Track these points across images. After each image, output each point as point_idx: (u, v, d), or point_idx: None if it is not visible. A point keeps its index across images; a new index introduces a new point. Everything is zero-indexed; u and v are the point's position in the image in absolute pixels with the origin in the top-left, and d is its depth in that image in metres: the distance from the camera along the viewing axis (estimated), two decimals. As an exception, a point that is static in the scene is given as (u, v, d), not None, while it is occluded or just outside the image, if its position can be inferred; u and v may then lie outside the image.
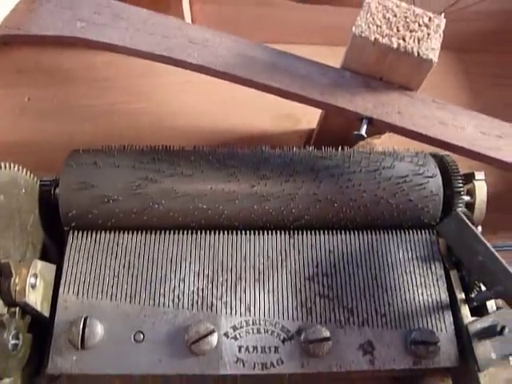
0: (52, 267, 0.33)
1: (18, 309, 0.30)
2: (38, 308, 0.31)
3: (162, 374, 0.31)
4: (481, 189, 0.37)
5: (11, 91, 0.51)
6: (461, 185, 0.37)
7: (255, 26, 0.54)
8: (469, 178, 0.38)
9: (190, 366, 0.31)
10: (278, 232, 0.36)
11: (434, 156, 0.38)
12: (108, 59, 0.54)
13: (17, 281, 0.29)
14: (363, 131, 0.32)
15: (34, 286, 0.30)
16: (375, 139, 0.43)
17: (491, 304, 0.35)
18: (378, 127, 0.32)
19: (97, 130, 0.49)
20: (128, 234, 0.35)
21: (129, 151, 0.37)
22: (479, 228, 0.39)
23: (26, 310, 0.31)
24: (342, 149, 0.38)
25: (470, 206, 0.38)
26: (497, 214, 0.47)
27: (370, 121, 0.32)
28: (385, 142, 0.43)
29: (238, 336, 0.32)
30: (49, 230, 0.36)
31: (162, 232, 0.35)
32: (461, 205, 0.37)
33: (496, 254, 0.30)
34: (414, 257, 0.36)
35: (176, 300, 0.33)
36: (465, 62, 0.59)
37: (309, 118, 0.51)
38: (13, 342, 0.29)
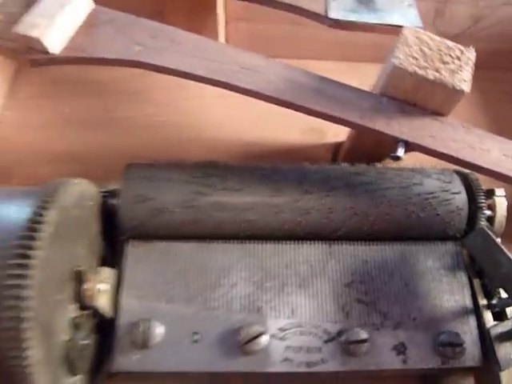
0: (114, 273, 0.36)
1: (88, 312, 0.33)
2: (105, 311, 0.34)
3: (217, 371, 0.34)
4: (501, 204, 0.41)
5: (52, 102, 0.54)
6: (483, 200, 0.40)
7: (286, 44, 0.58)
8: (489, 194, 0.42)
9: (241, 364, 0.34)
10: (319, 243, 0.39)
11: (459, 173, 0.42)
12: (138, 72, 0.56)
13: (88, 286, 0.32)
14: (400, 153, 0.35)
15: (102, 291, 0.33)
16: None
17: (510, 310, 0.39)
18: (412, 149, 0.36)
19: (137, 141, 0.52)
20: (182, 242, 0.38)
21: (180, 166, 0.39)
22: (498, 240, 0.43)
23: (95, 312, 0.34)
24: (373, 165, 0.42)
25: (490, 220, 0.42)
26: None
27: (406, 143, 0.35)
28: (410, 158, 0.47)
29: (284, 337, 0.35)
30: (104, 237, 0.39)
31: (214, 241, 0.38)
32: (483, 219, 0.40)
33: (520, 265, 0.34)
34: (441, 266, 0.39)
35: (227, 304, 0.36)
36: (482, 80, 0.62)
37: (334, 131, 0.54)
38: (85, 341, 0.32)
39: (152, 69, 0.38)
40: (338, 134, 0.54)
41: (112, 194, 0.39)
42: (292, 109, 0.37)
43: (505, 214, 0.41)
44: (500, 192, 0.41)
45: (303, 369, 0.35)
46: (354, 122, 0.36)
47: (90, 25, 0.40)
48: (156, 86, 0.57)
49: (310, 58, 0.60)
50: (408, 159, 0.42)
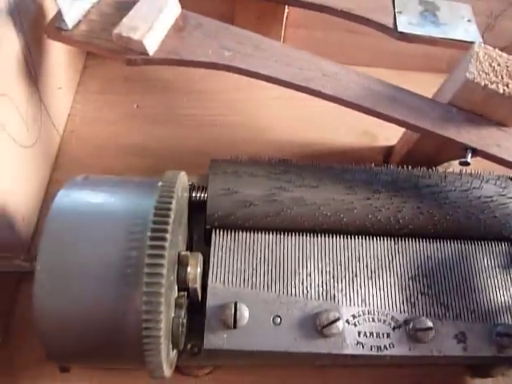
0: (202, 259, 0.39)
1: (185, 293, 0.36)
2: (199, 293, 0.37)
3: (298, 351, 0.38)
4: (551, 209, 0.44)
5: (120, 97, 0.57)
6: (535, 205, 0.44)
7: (339, 50, 0.61)
8: (539, 199, 0.45)
9: (320, 346, 0.38)
10: (386, 238, 0.42)
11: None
12: (205, 73, 0.60)
13: (190, 270, 0.35)
14: (469, 159, 0.39)
15: (200, 275, 0.37)
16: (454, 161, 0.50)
17: (559, 305, 0.42)
18: (479, 156, 0.39)
19: (202, 138, 0.55)
20: (263, 233, 0.41)
21: (260, 163, 0.43)
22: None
23: (190, 294, 0.37)
24: (432, 169, 0.45)
25: (539, 223, 0.45)
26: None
27: (474, 151, 0.39)
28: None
29: (357, 323, 0.39)
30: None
31: (292, 233, 0.41)
32: (534, 222, 0.44)
33: None
34: (496, 264, 0.43)
35: (305, 291, 0.39)
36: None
37: (385, 135, 0.58)
38: (183, 320, 0.35)
39: (239, 72, 0.41)
40: (389, 138, 0.57)
41: (193, 187, 0.42)
42: (370, 115, 0.40)
43: (554, 218, 0.44)
44: (550, 198, 0.44)
45: (374, 352, 0.38)
46: (427, 129, 0.39)
47: (179, 29, 0.43)
48: (219, 88, 0.60)
49: (363, 65, 0.63)
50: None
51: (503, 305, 0.41)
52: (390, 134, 0.57)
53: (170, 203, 0.30)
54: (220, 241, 0.40)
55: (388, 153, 0.56)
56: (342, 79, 0.40)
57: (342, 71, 0.41)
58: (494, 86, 0.38)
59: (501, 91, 0.38)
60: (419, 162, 0.46)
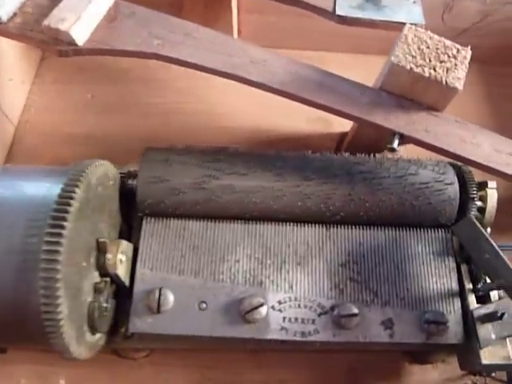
0: (130, 246, 0.40)
1: (108, 279, 0.37)
2: (123, 279, 0.38)
3: (221, 336, 0.38)
4: (492, 196, 0.43)
5: (75, 87, 0.58)
6: (475, 192, 0.43)
7: (294, 34, 0.60)
8: (482, 186, 0.44)
9: (243, 330, 0.38)
10: (317, 225, 0.42)
11: (453, 165, 0.44)
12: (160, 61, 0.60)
13: (110, 256, 0.36)
14: (395, 145, 0.38)
15: (121, 261, 0.38)
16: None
17: (494, 294, 0.42)
18: (407, 142, 0.39)
19: (153, 126, 0.55)
20: (193, 221, 0.42)
21: (193, 151, 0.43)
22: (488, 229, 0.45)
23: (114, 280, 0.38)
24: (374, 155, 0.44)
25: (481, 211, 0.44)
26: (507, 216, 0.53)
27: (402, 136, 0.38)
28: (410, 149, 0.49)
29: (282, 309, 0.39)
30: (123, 215, 0.43)
31: (221, 221, 0.42)
32: (474, 209, 0.43)
33: (500, 252, 0.37)
34: (431, 251, 0.42)
35: (232, 277, 0.40)
36: (486, 74, 0.64)
37: (340, 121, 0.56)
38: (105, 304, 0.37)
39: (168, 61, 0.41)
40: (344, 124, 0.56)
41: (130, 175, 0.43)
42: (295, 101, 0.40)
43: (495, 205, 0.44)
44: (492, 184, 0.43)
45: (298, 337, 0.39)
46: (354, 116, 0.39)
47: (111, 18, 0.43)
48: (177, 75, 0.59)
49: (319, 50, 0.62)
50: (411, 151, 0.45)
51: (435, 292, 0.41)
52: (345, 121, 0.56)
53: (74, 192, 0.31)
54: (150, 228, 0.41)
55: (341, 140, 0.55)
56: (270, 65, 0.40)
57: (271, 58, 0.41)
58: (419, 70, 0.37)
59: (426, 75, 0.37)
60: (364, 149, 0.45)
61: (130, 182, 0.42)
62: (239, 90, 0.59)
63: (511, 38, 0.60)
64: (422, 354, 0.45)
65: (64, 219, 0.30)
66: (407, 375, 0.45)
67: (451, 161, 0.44)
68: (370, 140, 0.45)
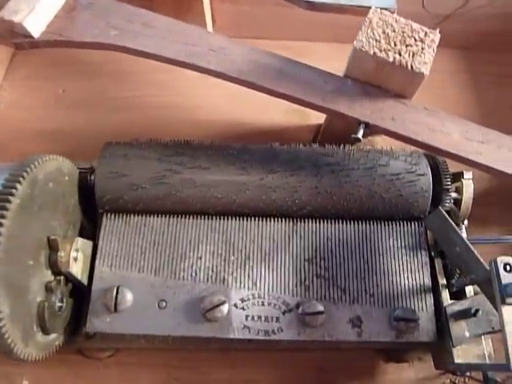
0: (89, 243, 0.39)
1: (62, 277, 0.36)
2: (79, 277, 0.37)
3: (181, 335, 0.37)
4: (468, 187, 0.41)
5: (47, 83, 0.57)
6: (449, 183, 0.41)
7: (271, 24, 0.58)
8: (458, 176, 0.42)
9: (204, 330, 0.37)
10: (283, 219, 0.41)
11: (428, 156, 0.42)
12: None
13: (62, 254, 0.35)
14: (360, 134, 0.36)
15: (76, 259, 0.36)
16: (376, 137, 0.48)
17: (469, 289, 0.40)
18: (373, 131, 0.37)
19: (124, 121, 0.54)
20: (153, 217, 0.40)
21: (154, 145, 0.42)
22: (465, 222, 0.43)
23: (69, 278, 0.37)
24: (344, 147, 0.43)
25: (457, 202, 0.42)
26: (487, 208, 0.51)
27: (367, 125, 0.36)
28: (389, 139, 0.47)
29: (245, 307, 0.38)
30: (85, 211, 0.42)
31: (183, 216, 0.40)
32: (448, 201, 0.41)
33: (470, 245, 0.35)
34: (403, 245, 0.40)
35: (194, 274, 0.39)
36: (471, 61, 0.61)
37: (317, 113, 0.55)
38: (59, 304, 0.35)
39: (126, 52, 0.40)
40: (321, 116, 0.54)
41: (92, 171, 0.42)
42: (256, 90, 0.38)
43: (471, 196, 0.42)
44: (468, 175, 0.41)
45: (261, 336, 0.37)
46: (317, 104, 0.37)
47: (69, 9, 0.42)
48: (151, 68, 0.57)
49: (298, 40, 0.60)
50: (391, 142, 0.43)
51: (406, 288, 0.39)
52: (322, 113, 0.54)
53: (14, 188, 0.30)
54: (110, 224, 0.40)
55: (318, 131, 0.54)
56: (229, 54, 0.39)
57: (231, 46, 0.39)
58: (383, 54, 0.35)
59: (391, 59, 0.35)
60: (337, 140, 0.44)
61: (92, 177, 0.41)
62: (215, 83, 0.57)
63: (496, 24, 0.57)
64: (396, 352, 0.43)
65: (2, 216, 0.29)
66: (381, 374, 0.43)
67: (427, 151, 0.42)
68: (341, 131, 0.43)
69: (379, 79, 0.37)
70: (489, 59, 0.60)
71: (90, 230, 0.42)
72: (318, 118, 0.55)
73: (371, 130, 0.37)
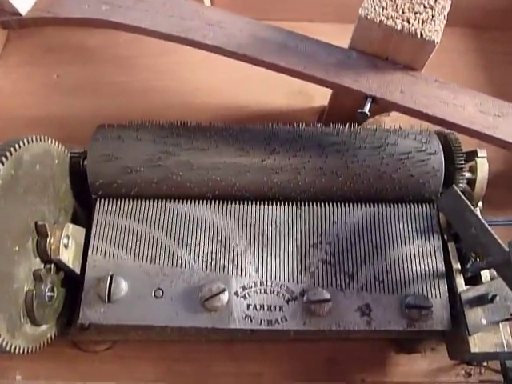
0: (82, 230, 0.37)
1: (53, 266, 0.34)
2: (70, 265, 0.35)
3: (178, 326, 0.35)
4: (482, 166, 0.39)
5: (41, 69, 0.55)
6: (462, 161, 0.38)
7: (274, 5, 0.56)
8: (472, 155, 0.40)
9: (203, 320, 0.35)
10: (286, 203, 0.38)
11: (439, 134, 0.40)
12: (131, 37, 0.55)
13: (52, 241, 0.33)
14: (367, 109, 0.34)
15: (67, 246, 0.34)
16: (384, 117, 0.45)
17: (485, 274, 0.37)
18: (381, 105, 0.34)
19: (121, 105, 0.52)
20: (149, 202, 0.38)
21: (149, 126, 0.40)
22: (480, 204, 0.41)
23: (60, 266, 0.35)
24: (350, 126, 0.40)
25: (471, 183, 0.40)
26: (501, 190, 0.49)
27: (374, 99, 0.34)
28: (397, 119, 0.45)
29: (246, 295, 0.36)
30: (79, 197, 0.40)
31: (180, 201, 0.38)
32: (462, 181, 0.38)
33: (487, 226, 0.32)
34: (414, 229, 0.38)
35: (192, 262, 0.36)
36: (482, 39, 0.59)
37: (322, 94, 0.52)
38: (49, 293, 0.34)
39: (117, 27, 0.38)
40: (326, 97, 0.52)
41: (85, 154, 0.39)
42: (255, 65, 0.36)
43: (486, 176, 0.39)
44: (482, 153, 0.39)
45: (264, 326, 0.35)
46: (320, 78, 0.35)
47: (59, -15, 0.40)
48: (146, 52, 0.56)
49: (302, 20, 0.58)
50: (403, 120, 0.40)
51: (418, 274, 0.37)
52: (327, 93, 0.52)
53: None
54: (104, 210, 0.38)
55: (322, 114, 0.51)
56: (227, 28, 0.36)
57: (229, 19, 0.37)
58: (390, 22, 0.33)
59: (399, 27, 0.33)
60: (343, 120, 0.41)
61: (84, 162, 0.39)
62: (216, 66, 0.56)
63: (503, 1, 0.54)
64: (408, 343, 0.41)
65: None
66: (393, 366, 0.41)
67: (439, 129, 0.40)
68: (347, 110, 0.41)
69: (387, 50, 0.35)
70: (500, 38, 0.57)
71: (84, 216, 0.40)
72: (322, 99, 0.53)
73: (379, 104, 0.35)
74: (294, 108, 0.53)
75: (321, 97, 0.53)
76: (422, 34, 0.32)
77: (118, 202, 0.38)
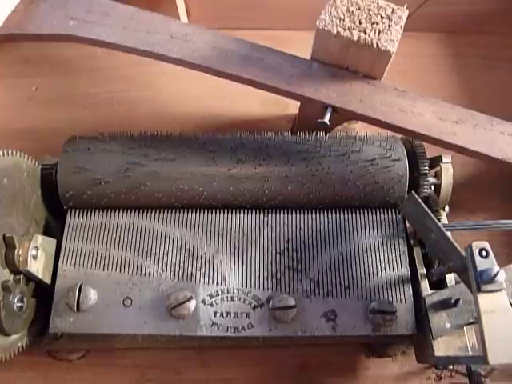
0: (52, 241, 0.38)
1: (22, 276, 0.35)
2: (40, 276, 0.36)
3: (147, 334, 0.36)
4: (447, 171, 0.39)
5: (20, 81, 0.56)
6: (426, 167, 0.39)
7: (251, 14, 0.57)
8: (436, 161, 0.40)
9: (170, 327, 0.35)
10: (253, 211, 0.39)
11: (405, 140, 0.40)
12: (108, 49, 0.58)
13: (20, 252, 0.34)
14: (327, 119, 0.35)
15: (36, 257, 0.35)
16: (353, 124, 0.46)
17: (450, 278, 0.38)
18: (341, 115, 0.35)
19: (98, 117, 0.53)
20: (119, 212, 0.39)
21: (119, 138, 0.40)
22: (446, 208, 0.41)
23: (30, 277, 0.35)
24: (317, 134, 0.41)
25: (437, 188, 0.40)
26: (476, 193, 0.49)
27: (334, 109, 0.35)
28: (368, 126, 0.45)
29: (213, 303, 0.36)
30: (54, 208, 0.40)
31: (149, 211, 0.39)
32: (427, 186, 0.39)
33: (445, 231, 0.33)
34: (379, 234, 0.39)
35: (160, 271, 0.37)
36: (458, 44, 0.59)
37: (296, 103, 0.53)
38: (18, 304, 0.34)
39: (85, 42, 0.39)
40: (300, 105, 0.53)
41: (57, 167, 0.40)
42: (219, 76, 0.37)
43: (451, 181, 0.40)
44: (446, 159, 0.39)
45: (231, 333, 0.36)
46: (282, 89, 0.36)
47: (29, 1, 0.40)
48: (125, 63, 0.57)
49: (281, 29, 0.59)
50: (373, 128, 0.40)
51: (383, 279, 0.37)
52: (300, 101, 0.53)
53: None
54: (74, 221, 0.39)
55: (295, 122, 0.52)
56: (192, 41, 0.37)
57: (194, 32, 0.38)
58: (347, 33, 0.34)
59: (355, 38, 0.34)
60: (312, 128, 0.42)
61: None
62: (191, 77, 0.56)
63: (482, 4, 0.55)
64: (378, 347, 0.42)
65: None
66: (364, 370, 0.41)
67: (405, 136, 0.40)
68: (314, 118, 0.42)
69: (346, 60, 0.35)
70: (473, 42, 0.58)
71: (57, 227, 0.41)
72: (296, 108, 0.53)
73: (339, 114, 0.35)
74: (268, 116, 0.54)
75: (295, 105, 0.53)
76: (377, 44, 0.33)
77: (89, 213, 0.39)
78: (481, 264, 0.30)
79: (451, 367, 0.38)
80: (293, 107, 0.54)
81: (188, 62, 0.36)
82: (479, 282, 0.29)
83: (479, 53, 0.57)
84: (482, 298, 0.29)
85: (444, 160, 0.40)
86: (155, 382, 0.41)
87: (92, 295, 0.36)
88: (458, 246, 0.32)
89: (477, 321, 0.35)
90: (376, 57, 0.34)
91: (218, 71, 0.36)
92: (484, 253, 0.30)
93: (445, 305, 0.36)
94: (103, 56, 0.58)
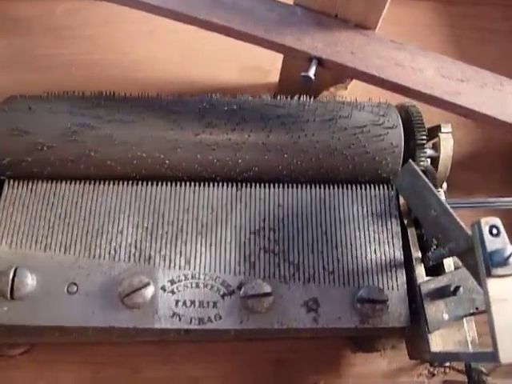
0: (-17, 217, 0.32)
1: None
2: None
3: (95, 326, 0.30)
4: (446, 142, 0.35)
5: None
6: (424, 137, 0.34)
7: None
8: (435, 131, 0.35)
9: (123, 319, 0.30)
10: (225, 184, 0.34)
11: (400, 107, 0.35)
12: (69, 7, 0.51)
13: None
14: (311, 73, 0.29)
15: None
16: (342, 90, 0.41)
17: (449, 263, 0.33)
18: (328, 68, 0.30)
19: (55, 80, 0.47)
20: (65, 183, 0.33)
21: (68, 97, 0.34)
22: (444, 185, 0.37)
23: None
24: (300, 97, 0.35)
25: (434, 161, 0.35)
26: (474, 173, 0.45)
27: (320, 61, 0.29)
28: (355, 92, 0.40)
29: (175, 290, 0.31)
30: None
31: (100, 182, 0.33)
32: (423, 158, 0.34)
33: (448, 207, 0.28)
34: (370, 212, 0.34)
35: (112, 252, 0.32)
36: (453, 14, 0.55)
37: (279, 70, 0.48)
38: None
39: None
40: (283, 72, 0.47)
41: None
42: (190, 24, 0.31)
43: (450, 153, 0.35)
44: (446, 128, 0.35)
45: (194, 325, 0.30)
46: (257, 36, 0.30)
47: None
48: (85, 22, 0.51)
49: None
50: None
51: (373, 263, 0.32)
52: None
53: None
54: (12, 193, 0.33)
55: (277, 89, 0.46)
56: (153, -20, 0.31)
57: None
58: (336, -29, 0.28)
59: (346, -23, 0.28)
60: (295, 92, 0.36)
61: None
62: (160, 38, 0.51)
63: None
64: (365, 341, 0.37)
65: None
66: (348, 366, 0.37)
67: (400, 102, 0.35)
68: (298, 77, 0.36)
69: (335, 6, 0.30)
70: (470, 13, 0.54)
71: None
72: (278, 75, 0.48)
73: (326, 67, 0.30)
74: (247, 83, 0.49)
75: (277, 72, 0.48)
76: (372, -16, 0.28)
77: (30, 184, 0.33)
78: (491, 244, 0.25)
79: (448, 363, 0.34)
80: (274, 74, 0.49)
81: (148, 3, 0.30)
82: (489, 264, 0.24)
83: (473, 24, 0.53)
84: (492, 284, 0.24)
85: (443, 129, 0.35)
86: (110, 380, 0.35)
87: (29, 280, 0.30)
88: (463, 225, 0.27)
89: (479, 311, 0.31)
90: (369, 1, 0.29)
91: (182, 14, 0.30)
92: (495, 230, 0.25)
93: (443, 293, 0.31)
94: (62, 15, 0.51)
